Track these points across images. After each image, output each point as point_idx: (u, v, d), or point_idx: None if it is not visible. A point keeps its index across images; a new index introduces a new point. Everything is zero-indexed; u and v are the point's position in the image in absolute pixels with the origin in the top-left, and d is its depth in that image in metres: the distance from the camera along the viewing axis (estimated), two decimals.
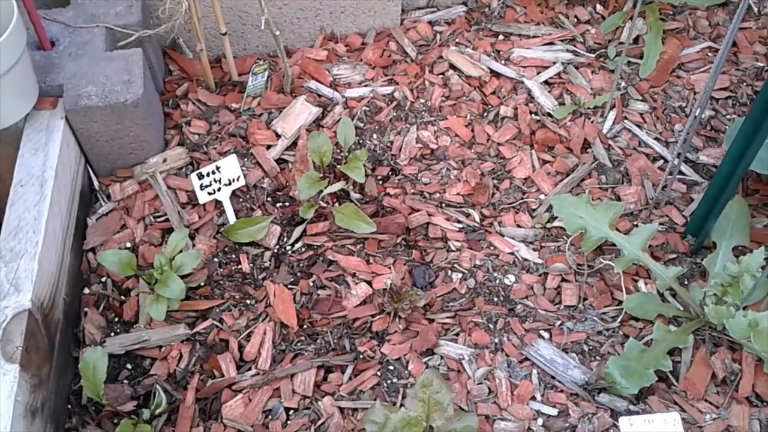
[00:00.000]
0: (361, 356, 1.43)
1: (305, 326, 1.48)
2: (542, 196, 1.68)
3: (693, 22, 2.08)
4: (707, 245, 1.57)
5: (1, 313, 1.26)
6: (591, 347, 1.43)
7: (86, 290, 1.54)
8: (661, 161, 1.75)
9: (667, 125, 1.83)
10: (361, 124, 1.81)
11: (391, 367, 1.42)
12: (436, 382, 1.23)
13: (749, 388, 1.33)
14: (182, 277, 1.46)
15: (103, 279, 1.55)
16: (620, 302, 1.49)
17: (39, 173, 1.47)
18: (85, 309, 1.49)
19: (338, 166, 1.68)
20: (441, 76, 1.88)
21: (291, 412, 1.37)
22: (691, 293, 1.45)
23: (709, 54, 2.01)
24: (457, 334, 1.46)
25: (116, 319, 1.50)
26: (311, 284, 1.54)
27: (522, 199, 1.68)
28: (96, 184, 1.67)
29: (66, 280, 1.46)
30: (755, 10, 2.14)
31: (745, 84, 1.93)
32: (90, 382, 1.25)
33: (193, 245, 1.59)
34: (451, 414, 1.22)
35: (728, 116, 1.86)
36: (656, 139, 1.79)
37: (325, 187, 1.62)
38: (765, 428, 1.29)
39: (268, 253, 1.61)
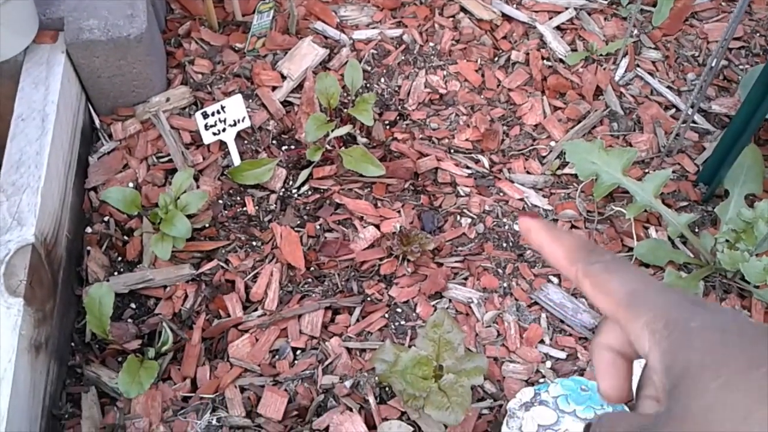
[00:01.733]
0: (368, 299, 1.41)
1: (312, 268, 1.46)
2: (553, 143, 1.66)
3: None
4: (719, 194, 1.55)
5: (4, 246, 1.24)
6: None
7: (89, 229, 1.51)
8: (674, 110, 1.72)
9: (680, 74, 1.80)
10: (369, 68, 1.77)
11: (399, 310, 1.40)
12: (447, 322, 1.22)
13: None
14: (187, 217, 1.43)
15: (106, 218, 1.52)
16: (630, 249, 1.48)
17: (40, 107, 1.43)
18: (88, 248, 1.47)
19: (345, 110, 1.64)
20: (451, 19, 1.84)
21: (298, 352, 1.36)
22: (702, 240, 1.44)
23: (723, 3, 1.97)
24: (465, 278, 1.44)
25: (119, 259, 1.48)
26: (318, 227, 1.52)
27: (532, 145, 1.66)
28: (97, 122, 1.63)
29: (68, 218, 1.43)
30: None
31: (758, 34, 1.90)
32: (96, 318, 1.23)
33: (198, 186, 1.56)
34: (461, 354, 1.21)
35: (741, 66, 1.83)
36: (668, 87, 1.76)
37: (332, 131, 1.59)
38: None
39: (273, 196, 1.58)
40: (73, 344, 1.37)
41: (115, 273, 1.45)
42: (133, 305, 1.42)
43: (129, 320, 1.39)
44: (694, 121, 1.68)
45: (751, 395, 0.33)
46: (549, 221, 0.50)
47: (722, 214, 1.46)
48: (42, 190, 1.32)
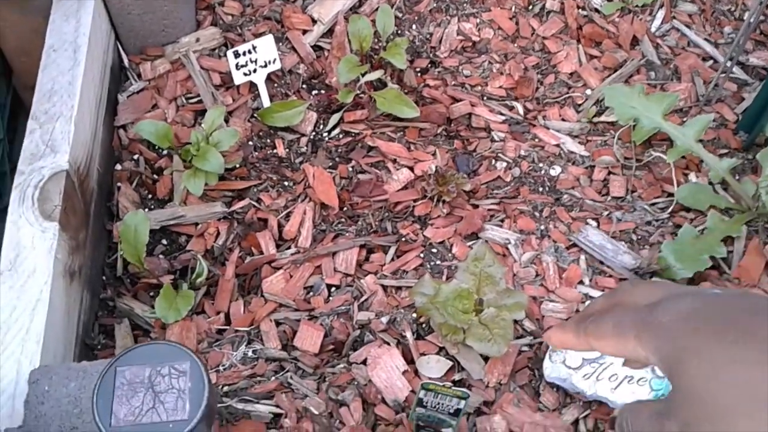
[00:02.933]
0: (403, 239, 1.39)
1: (345, 208, 1.44)
2: (589, 91, 1.63)
3: None
4: (759, 143, 1.52)
5: (39, 172, 1.21)
6: (640, 236, 1.40)
7: (118, 167, 1.48)
8: (711, 61, 1.69)
9: (716, 27, 1.77)
10: (400, 15, 1.74)
11: (434, 250, 1.38)
12: (489, 256, 1.20)
13: None
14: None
15: (136, 156, 1.50)
16: (670, 194, 1.45)
17: (72, 39, 1.40)
18: (118, 184, 1.44)
19: (377, 56, 1.61)
20: None
21: (333, 288, 1.34)
22: (744, 186, 1.42)
23: None
24: (502, 220, 1.42)
25: (150, 197, 1.46)
26: (350, 169, 1.49)
27: (567, 93, 1.63)
28: (126, 61, 1.60)
29: (99, 153, 1.41)
30: None
31: None
32: (131, 246, 1.21)
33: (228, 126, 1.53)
34: (502, 288, 1.19)
35: None
36: (706, 39, 1.73)
37: (363, 74, 1.56)
38: None
39: (304, 139, 1.55)
40: (104, 278, 1.35)
41: (146, 210, 1.43)
42: (164, 241, 1.40)
43: (161, 256, 1.37)
44: (732, 72, 1.65)
45: (722, 361, 0.42)
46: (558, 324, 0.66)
47: (764, 161, 1.43)
48: (75, 119, 1.30)
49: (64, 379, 0.98)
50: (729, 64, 1.59)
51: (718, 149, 1.52)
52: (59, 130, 1.27)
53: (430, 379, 1.18)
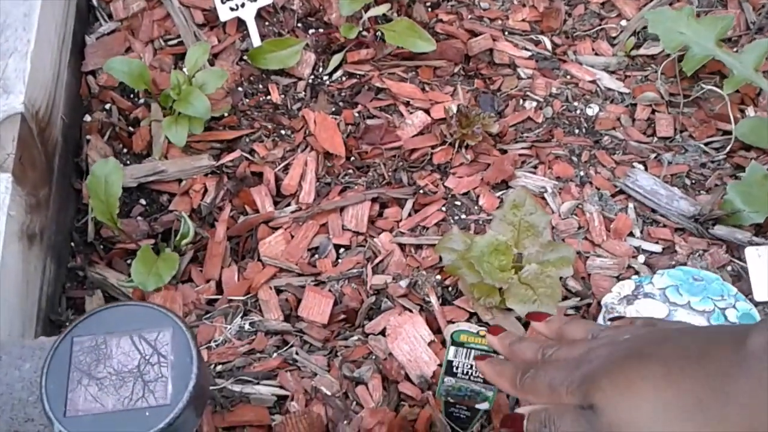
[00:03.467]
0: (421, 190, 1.20)
1: (353, 158, 1.24)
2: (624, 22, 1.43)
3: None
4: None
5: None
6: (694, 180, 1.21)
7: (87, 118, 1.28)
8: None
9: None
10: None
11: (457, 203, 1.19)
12: (530, 202, 1.01)
13: None
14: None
15: (107, 106, 1.30)
16: (725, 132, 1.26)
17: None
18: (88, 137, 1.24)
19: None
20: None
21: (342, 249, 1.14)
22: None
23: None
24: (535, 167, 1.23)
25: (125, 151, 1.26)
26: (357, 114, 1.30)
27: (600, 25, 1.43)
28: (94, 0, 1.39)
29: (63, 99, 1.21)
30: None
31: None
32: (102, 203, 1.01)
33: None
34: (546, 240, 1.00)
35: None
36: None
37: (367, 8, 1.36)
38: None
39: (302, 83, 1.35)
40: (73, 244, 1.16)
41: (121, 165, 1.22)
42: (143, 201, 1.20)
43: (139, 217, 1.18)
44: None
45: (633, 376, 0.53)
46: (506, 335, 0.73)
47: None
48: (31, 56, 1.09)
49: (17, 360, 0.78)
50: None
51: None
52: (12, 68, 1.07)
53: None
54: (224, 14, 1.36)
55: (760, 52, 1.24)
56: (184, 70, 1.25)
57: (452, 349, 0.83)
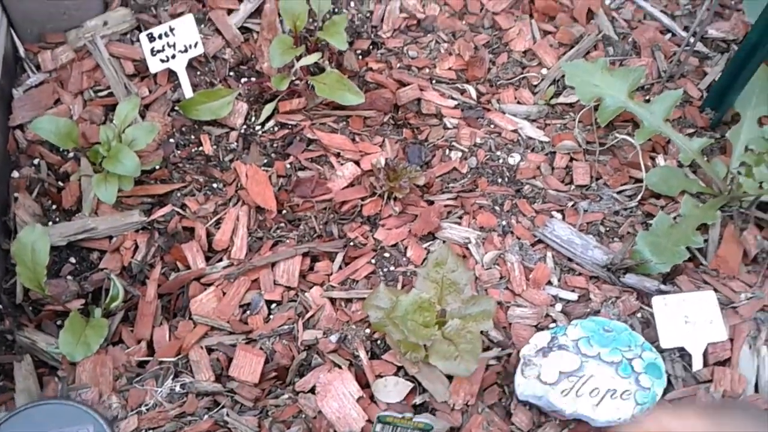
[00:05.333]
0: (351, 243, 1.23)
1: (285, 211, 1.27)
2: (544, 70, 1.50)
3: None
4: (725, 120, 1.42)
5: None
6: (608, 228, 1.28)
7: (15, 174, 1.28)
8: (669, 35, 1.59)
9: None
10: None
11: (386, 254, 1.23)
12: (452, 260, 1.06)
13: None
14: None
15: (36, 161, 1.29)
16: (638, 180, 1.34)
17: None
18: (15, 194, 1.24)
19: (312, 37, 1.44)
20: None
21: (273, 305, 1.17)
22: (714, 168, 1.31)
23: None
24: (460, 217, 1.28)
25: (54, 207, 1.26)
26: (289, 166, 1.33)
27: (522, 73, 1.49)
28: (22, 51, 1.38)
29: None
30: None
31: None
32: (28, 270, 1.01)
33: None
34: (468, 296, 1.05)
35: None
36: (662, 11, 1.62)
37: (299, 58, 1.39)
38: None
39: (234, 134, 1.37)
40: (0, 306, 1.15)
41: (50, 223, 1.23)
42: (72, 260, 1.21)
43: (68, 277, 1.18)
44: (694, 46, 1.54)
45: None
46: None
47: (734, 139, 1.34)
48: None
49: None
50: (692, 38, 1.48)
51: (685, 129, 1.41)
52: None
53: (388, 405, 1.03)
54: (154, 66, 1.37)
55: (668, 103, 1.32)
56: (114, 123, 1.26)
57: (379, 425, 0.87)
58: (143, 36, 1.34)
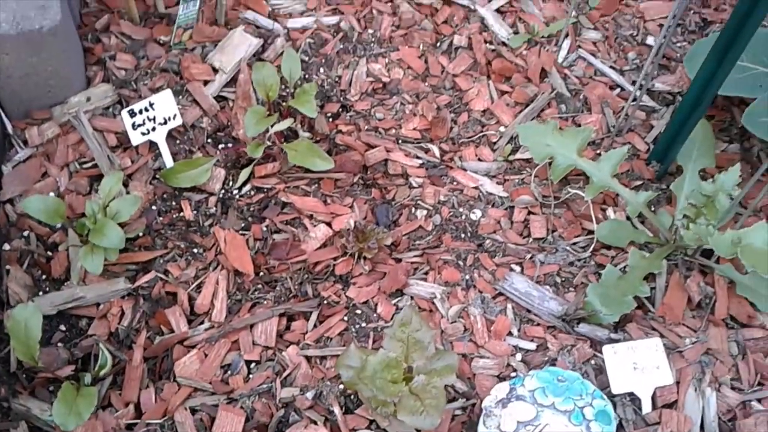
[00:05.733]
0: (325, 302, 1.32)
1: (262, 273, 1.36)
2: (502, 128, 1.61)
3: None
4: (671, 171, 1.54)
5: None
6: (564, 279, 1.38)
7: (6, 246, 1.35)
8: (619, 89, 1.70)
9: (621, 53, 1.79)
10: (306, 58, 1.67)
11: (358, 311, 1.32)
12: (416, 320, 1.14)
13: (724, 311, 1.31)
14: (119, 226, 1.30)
15: (26, 233, 1.37)
16: (590, 232, 1.44)
17: None
18: (7, 267, 1.31)
19: (285, 103, 1.54)
20: (389, 3, 1.76)
21: (252, 365, 1.25)
22: (660, 218, 1.42)
23: None
24: (426, 273, 1.37)
25: (44, 277, 1.33)
26: (265, 229, 1.41)
27: (482, 132, 1.60)
28: (9, 128, 1.47)
29: None
30: None
31: (692, 11, 1.91)
32: (22, 344, 1.09)
33: (128, 192, 1.43)
34: (432, 352, 1.14)
35: (678, 44, 1.83)
36: (611, 67, 1.74)
37: (272, 125, 1.48)
38: (743, 350, 1.27)
39: (213, 199, 1.46)
40: None
41: (40, 293, 1.30)
42: (62, 327, 1.28)
43: (59, 344, 1.25)
44: (641, 100, 1.66)
45: None
46: None
47: (678, 191, 1.44)
48: None
49: None
50: (638, 93, 1.59)
51: (632, 181, 1.52)
52: None
53: None
54: (136, 139, 1.46)
55: (615, 160, 1.43)
56: (99, 196, 1.34)
57: None
58: (125, 112, 1.43)
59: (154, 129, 1.47)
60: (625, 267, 1.36)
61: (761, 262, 1.14)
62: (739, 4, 1.22)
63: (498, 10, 1.79)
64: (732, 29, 1.25)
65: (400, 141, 1.58)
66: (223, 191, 1.48)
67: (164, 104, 1.47)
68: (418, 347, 1.14)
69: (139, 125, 1.45)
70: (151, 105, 1.45)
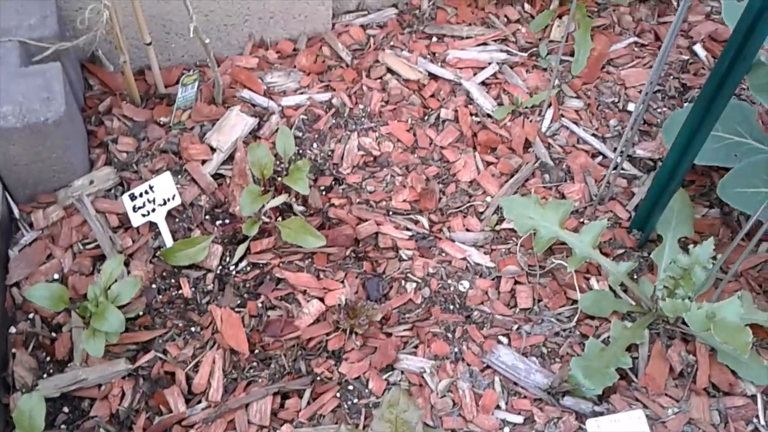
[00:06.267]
0: (318, 378, 1.37)
1: (257, 351, 1.41)
2: (489, 199, 1.67)
3: (618, 18, 2.12)
4: (652, 238, 1.59)
5: None
6: (550, 349, 1.42)
7: (13, 329, 1.41)
8: (601, 157, 1.77)
9: (603, 121, 1.86)
10: (300, 134, 1.75)
11: (350, 387, 1.36)
12: (403, 401, 1.19)
13: (706, 379, 1.35)
14: (119, 307, 1.36)
15: (31, 315, 1.43)
16: (574, 301, 1.49)
17: None
18: (13, 350, 1.37)
19: (279, 179, 1.61)
20: (379, 80, 1.84)
21: None
22: (642, 287, 1.47)
23: (635, 49, 2.05)
24: (416, 347, 1.42)
25: (48, 359, 1.39)
26: (260, 305, 1.47)
27: (469, 202, 1.66)
28: (16, 212, 1.54)
29: None
30: (674, 4, 2.20)
31: (671, 77, 1.98)
32: None
33: (129, 272, 1.49)
34: None
35: (659, 110, 1.90)
36: (593, 135, 1.81)
37: (267, 202, 1.55)
38: (724, 418, 1.31)
39: (210, 275, 1.52)
40: None
41: (44, 375, 1.36)
42: (66, 409, 1.33)
43: (62, 426, 1.30)
44: (621, 168, 1.72)
45: None
46: None
47: (658, 260, 1.49)
48: None
49: None
50: (618, 160, 1.65)
51: (614, 249, 1.57)
52: None
53: None
54: (136, 221, 1.53)
55: (595, 232, 1.49)
56: (101, 278, 1.40)
57: None
58: (125, 196, 1.50)
59: (154, 210, 1.53)
60: (608, 338, 1.40)
61: (734, 338, 1.18)
62: (711, 77, 1.27)
63: (483, 83, 1.87)
64: (705, 100, 1.31)
65: (390, 213, 1.64)
66: (220, 267, 1.53)
67: (163, 186, 1.54)
68: (406, 427, 1.18)
69: (140, 207, 1.51)
70: (151, 188, 1.52)
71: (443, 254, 1.57)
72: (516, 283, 1.53)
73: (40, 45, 1.54)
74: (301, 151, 1.72)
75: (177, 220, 1.58)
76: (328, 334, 1.42)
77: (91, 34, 1.52)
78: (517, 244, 1.58)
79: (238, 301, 1.48)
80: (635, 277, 1.52)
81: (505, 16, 2.06)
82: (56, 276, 1.47)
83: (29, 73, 1.49)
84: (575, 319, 1.45)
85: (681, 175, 1.46)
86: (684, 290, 1.35)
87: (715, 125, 1.36)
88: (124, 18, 1.64)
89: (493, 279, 1.54)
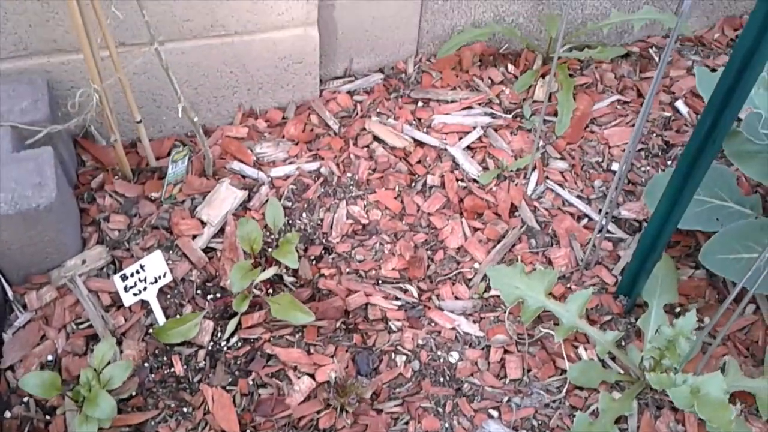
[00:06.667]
0: None
1: (248, 431, 1.42)
2: (477, 265, 1.69)
3: (600, 76, 2.17)
4: (639, 303, 1.61)
5: None
6: (540, 422, 1.43)
7: (7, 414, 1.42)
8: (586, 219, 1.79)
9: (587, 181, 1.89)
10: (289, 204, 1.78)
11: None
12: None
13: None
14: (112, 390, 1.37)
15: (25, 399, 1.44)
16: (563, 371, 1.50)
17: None
18: None
19: (269, 251, 1.63)
20: (366, 148, 1.88)
21: None
22: (630, 355, 1.48)
23: (618, 107, 2.09)
24: (406, 423, 1.43)
25: None
26: (251, 383, 1.48)
27: (457, 269, 1.69)
28: (10, 294, 1.56)
29: None
30: (656, 59, 2.25)
31: (654, 135, 2.02)
32: None
33: (121, 351, 1.50)
34: None
35: (642, 168, 1.93)
36: (578, 197, 1.84)
37: (258, 276, 1.57)
38: None
39: (202, 352, 1.53)
40: None
41: None
42: None
43: None
44: (607, 230, 1.75)
45: None
46: None
47: (645, 327, 1.51)
48: None
49: None
50: (603, 222, 1.68)
51: (602, 316, 1.59)
52: None
53: None
54: (128, 300, 1.55)
55: (581, 302, 1.50)
56: (93, 361, 1.41)
57: None
58: (117, 277, 1.52)
59: (145, 289, 1.55)
60: (597, 409, 1.41)
61: (717, 416, 1.19)
62: (689, 144, 1.29)
63: (468, 147, 1.91)
64: (686, 165, 1.33)
65: (380, 282, 1.66)
66: (211, 343, 1.55)
67: (154, 264, 1.56)
68: None
69: (131, 287, 1.54)
70: (142, 267, 1.54)
71: (432, 324, 1.59)
72: (506, 352, 1.55)
73: (31, 129, 1.57)
74: (290, 221, 1.75)
75: (168, 296, 1.60)
76: (318, 412, 1.43)
77: (82, 117, 1.55)
78: (505, 312, 1.60)
79: (230, 379, 1.49)
80: (623, 344, 1.54)
81: (489, 77, 2.10)
82: (50, 357, 1.48)
83: (21, 158, 1.52)
84: (564, 389, 1.47)
85: (664, 241, 1.48)
86: (670, 361, 1.36)
87: (697, 190, 1.37)
88: (115, 95, 1.68)
89: (482, 348, 1.55)
